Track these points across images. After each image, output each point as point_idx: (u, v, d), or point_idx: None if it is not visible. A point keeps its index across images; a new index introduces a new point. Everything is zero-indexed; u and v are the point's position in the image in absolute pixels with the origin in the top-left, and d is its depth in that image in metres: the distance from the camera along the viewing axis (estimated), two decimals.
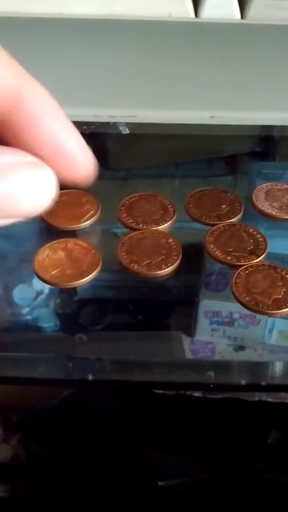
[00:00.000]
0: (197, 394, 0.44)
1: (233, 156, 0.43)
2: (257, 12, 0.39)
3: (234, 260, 0.32)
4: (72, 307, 0.37)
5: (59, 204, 0.35)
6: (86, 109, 0.38)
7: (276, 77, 0.40)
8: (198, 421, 0.47)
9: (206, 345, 0.35)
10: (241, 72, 0.40)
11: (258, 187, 0.36)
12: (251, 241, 0.33)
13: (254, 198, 0.35)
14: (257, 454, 0.49)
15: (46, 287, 0.37)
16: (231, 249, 0.32)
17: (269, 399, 0.45)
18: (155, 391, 0.42)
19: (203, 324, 0.36)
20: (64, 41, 0.40)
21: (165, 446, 0.48)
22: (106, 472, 0.48)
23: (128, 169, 0.42)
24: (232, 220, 0.34)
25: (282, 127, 0.40)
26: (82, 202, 0.35)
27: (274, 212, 0.35)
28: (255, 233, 0.33)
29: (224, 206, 0.35)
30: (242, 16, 0.40)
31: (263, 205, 0.35)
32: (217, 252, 0.32)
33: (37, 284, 0.37)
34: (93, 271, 0.31)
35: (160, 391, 0.42)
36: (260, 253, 0.32)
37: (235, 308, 0.33)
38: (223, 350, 0.35)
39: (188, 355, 0.35)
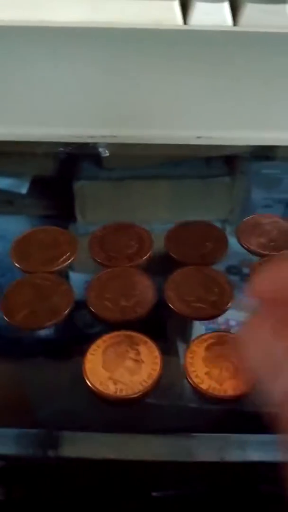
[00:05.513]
0: None
1: (233, 156, 0.41)
2: (251, 18, 0.36)
3: (193, 314, 0.29)
4: None
5: (34, 244, 0.32)
6: (63, 129, 0.36)
7: (269, 94, 0.37)
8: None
9: None
10: (231, 88, 0.37)
11: (244, 220, 0.34)
12: (216, 290, 0.30)
13: (238, 233, 0.33)
14: (255, 464, 0.48)
15: None
16: (192, 299, 0.29)
17: None
18: None
19: (199, 330, 0.34)
20: (41, 53, 0.37)
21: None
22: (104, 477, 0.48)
23: (123, 168, 0.40)
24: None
25: (272, 147, 0.37)
26: (59, 242, 0.33)
27: (260, 250, 0.32)
28: (223, 281, 0.30)
29: (208, 243, 0.32)
30: (235, 23, 0.36)
31: (250, 242, 0.32)
32: (175, 302, 0.29)
33: None
34: (66, 309, 0.29)
35: None
36: (222, 307, 0.29)
37: (232, 315, 0.30)
38: None
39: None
